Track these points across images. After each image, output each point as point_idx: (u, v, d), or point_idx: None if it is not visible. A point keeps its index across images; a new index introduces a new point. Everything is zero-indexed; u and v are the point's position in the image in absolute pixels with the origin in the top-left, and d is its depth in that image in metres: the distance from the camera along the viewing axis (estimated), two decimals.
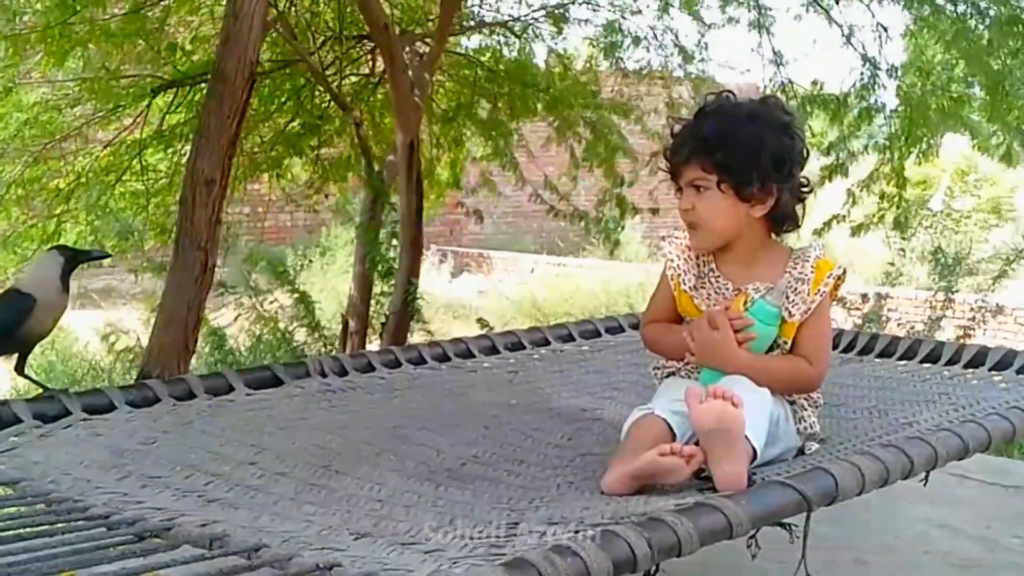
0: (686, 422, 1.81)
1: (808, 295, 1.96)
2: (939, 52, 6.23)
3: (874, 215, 6.84)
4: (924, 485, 1.94)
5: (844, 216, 6.80)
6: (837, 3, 6.06)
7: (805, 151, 2.02)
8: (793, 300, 1.96)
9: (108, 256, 2.66)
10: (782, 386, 1.97)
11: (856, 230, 6.87)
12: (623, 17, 6.84)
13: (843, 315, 6.38)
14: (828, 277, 1.98)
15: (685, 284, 2.04)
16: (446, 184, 7.73)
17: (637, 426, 1.87)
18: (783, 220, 2.02)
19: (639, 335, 2.20)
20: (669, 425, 1.83)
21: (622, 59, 6.90)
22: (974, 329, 6.44)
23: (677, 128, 2.05)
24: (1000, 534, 3.11)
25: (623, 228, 7.71)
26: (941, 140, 6.38)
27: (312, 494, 1.77)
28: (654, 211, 7.51)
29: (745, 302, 1.97)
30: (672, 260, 2.07)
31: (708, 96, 2.09)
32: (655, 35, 6.88)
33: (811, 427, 1.99)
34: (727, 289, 2.01)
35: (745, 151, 1.93)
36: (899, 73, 6.25)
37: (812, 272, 1.98)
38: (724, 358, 1.91)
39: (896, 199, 6.64)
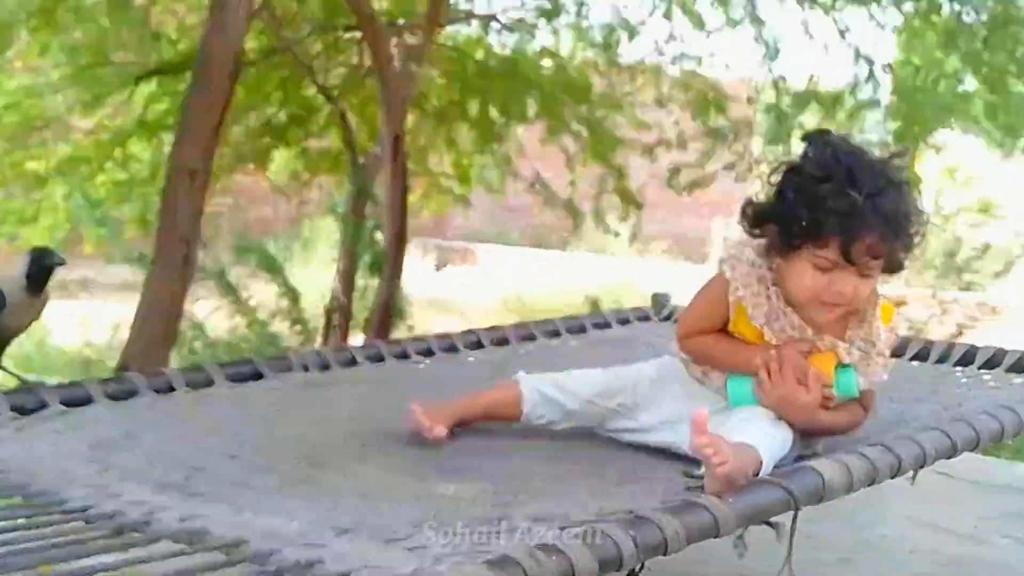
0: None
1: (882, 364, 1.94)
2: (934, 50, 6.23)
3: None
4: (912, 483, 1.94)
5: None
6: (833, 3, 6.06)
7: None
8: (873, 371, 1.94)
9: (62, 263, 2.51)
10: (836, 434, 1.96)
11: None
12: (621, 16, 6.83)
13: None
14: (890, 331, 1.96)
15: (756, 319, 1.94)
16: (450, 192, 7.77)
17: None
18: None
19: (633, 332, 2.17)
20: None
21: (617, 55, 6.88)
22: (964, 329, 6.48)
23: (825, 193, 1.82)
24: (987, 533, 3.13)
25: (630, 217, 7.73)
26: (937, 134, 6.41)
27: (294, 488, 1.75)
28: (638, 206, 7.51)
29: (837, 365, 1.91)
30: (738, 289, 1.96)
31: (881, 163, 1.88)
32: (649, 34, 6.90)
33: (817, 449, 1.96)
34: (804, 332, 1.92)
35: (914, 243, 1.87)
36: (892, 70, 6.26)
37: (886, 338, 1.94)
38: (802, 418, 1.88)
39: None
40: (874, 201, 1.81)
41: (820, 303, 1.89)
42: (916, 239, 1.87)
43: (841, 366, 1.91)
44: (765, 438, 1.77)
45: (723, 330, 2.01)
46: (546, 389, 2.10)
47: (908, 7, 5.97)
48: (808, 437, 1.94)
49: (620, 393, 2.09)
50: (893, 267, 1.87)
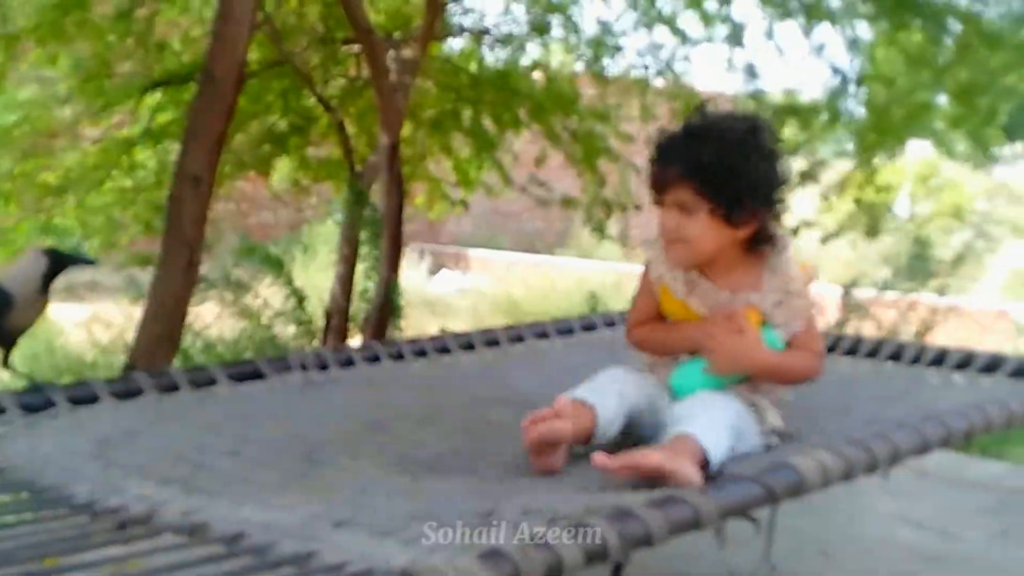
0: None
1: (804, 310, 2.02)
2: (903, 64, 6.29)
3: (847, 222, 6.92)
4: (885, 479, 1.99)
5: (814, 222, 6.88)
6: (808, 20, 6.11)
7: (789, 175, 2.03)
8: (792, 315, 2.01)
9: (93, 263, 2.64)
10: (794, 381, 2.05)
11: (825, 239, 6.97)
12: (607, 32, 6.87)
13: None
14: (805, 274, 2.04)
15: (677, 293, 2.04)
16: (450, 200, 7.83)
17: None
18: (764, 239, 2.02)
19: (623, 335, 2.21)
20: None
21: (602, 69, 6.92)
22: (932, 329, 6.55)
23: (665, 141, 1.99)
24: (960, 528, 3.19)
25: (616, 221, 7.76)
26: (905, 145, 6.46)
27: (293, 484, 1.79)
28: (636, 207, 7.52)
29: (761, 324, 1.99)
30: (656, 268, 2.07)
31: (694, 112, 2.03)
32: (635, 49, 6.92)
33: (774, 426, 2.03)
34: (722, 295, 2.02)
35: (742, 182, 1.91)
36: (862, 83, 6.32)
37: (804, 288, 2.02)
38: (750, 360, 1.96)
39: (868, 205, 6.72)
40: (688, 142, 1.94)
41: (663, 242, 2.01)
42: (740, 189, 1.91)
43: (764, 325, 1.99)
44: (705, 424, 1.82)
45: (663, 318, 2.10)
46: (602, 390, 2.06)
47: (883, 24, 6.01)
48: (771, 390, 2.03)
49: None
50: (716, 207, 1.92)
